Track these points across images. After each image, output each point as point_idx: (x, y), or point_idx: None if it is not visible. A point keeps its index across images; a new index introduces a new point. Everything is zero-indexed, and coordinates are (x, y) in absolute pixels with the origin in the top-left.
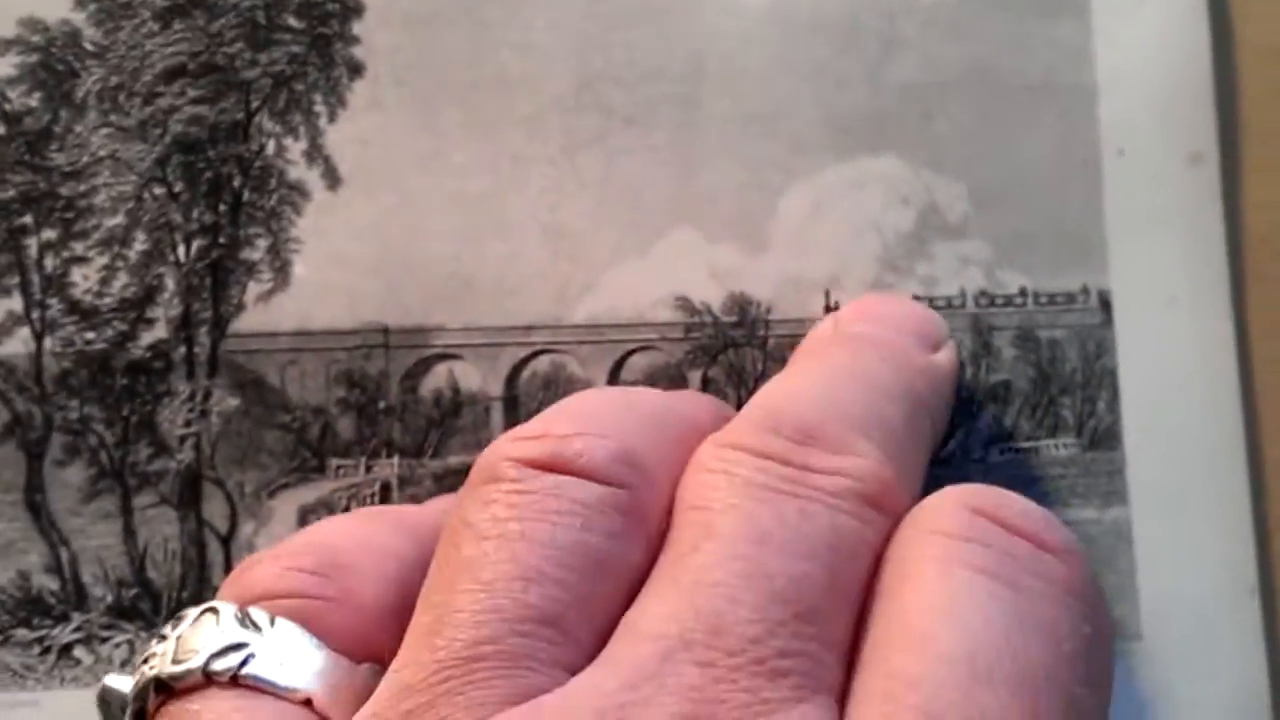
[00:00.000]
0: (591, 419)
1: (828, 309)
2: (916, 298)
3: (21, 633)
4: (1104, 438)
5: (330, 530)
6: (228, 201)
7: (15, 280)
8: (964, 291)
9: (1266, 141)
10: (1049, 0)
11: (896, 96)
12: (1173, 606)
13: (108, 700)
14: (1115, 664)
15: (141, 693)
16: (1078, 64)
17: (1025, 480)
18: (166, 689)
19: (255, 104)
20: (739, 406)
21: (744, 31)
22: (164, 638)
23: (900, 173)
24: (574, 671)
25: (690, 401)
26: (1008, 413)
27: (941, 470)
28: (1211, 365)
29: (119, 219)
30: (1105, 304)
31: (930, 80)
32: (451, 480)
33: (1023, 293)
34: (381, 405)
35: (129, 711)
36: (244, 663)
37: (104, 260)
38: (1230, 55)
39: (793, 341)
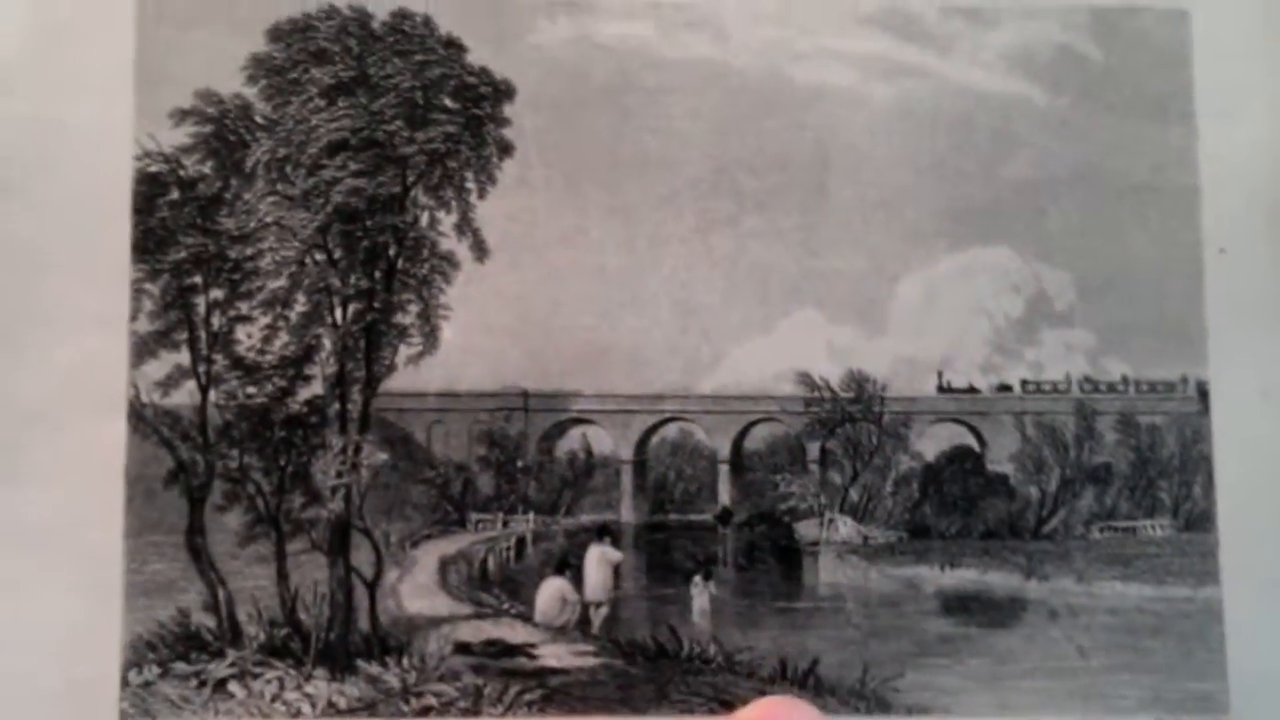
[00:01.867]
0: None
1: (940, 389)
2: (1024, 383)
3: (180, 666)
4: (1199, 520)
5: None
6: (383, 269)
7: (184, 336)
8: (1069, 377)
9: None
10: (1155, 104)
11: (1010, 191)
12: (1260, 682)
13: None
14: None
15: None
16: (1182, 165)
17: (1123, 558)
18: None
19: (411, 178)
20: (855, 477)
21: (868, 124)
22: None
23: (1011, 263)
24: None
25: None
26: (1108, 493)
27: (1045, 545)
28: None
29: (282, 281)
30: (1203, 393)
31: (1042, 177)
32: (583, 537)
33: (1124, 380)
34: (520, 464)
35: None
36: None
37: (267, 320)
38: None
39: (905, 419)
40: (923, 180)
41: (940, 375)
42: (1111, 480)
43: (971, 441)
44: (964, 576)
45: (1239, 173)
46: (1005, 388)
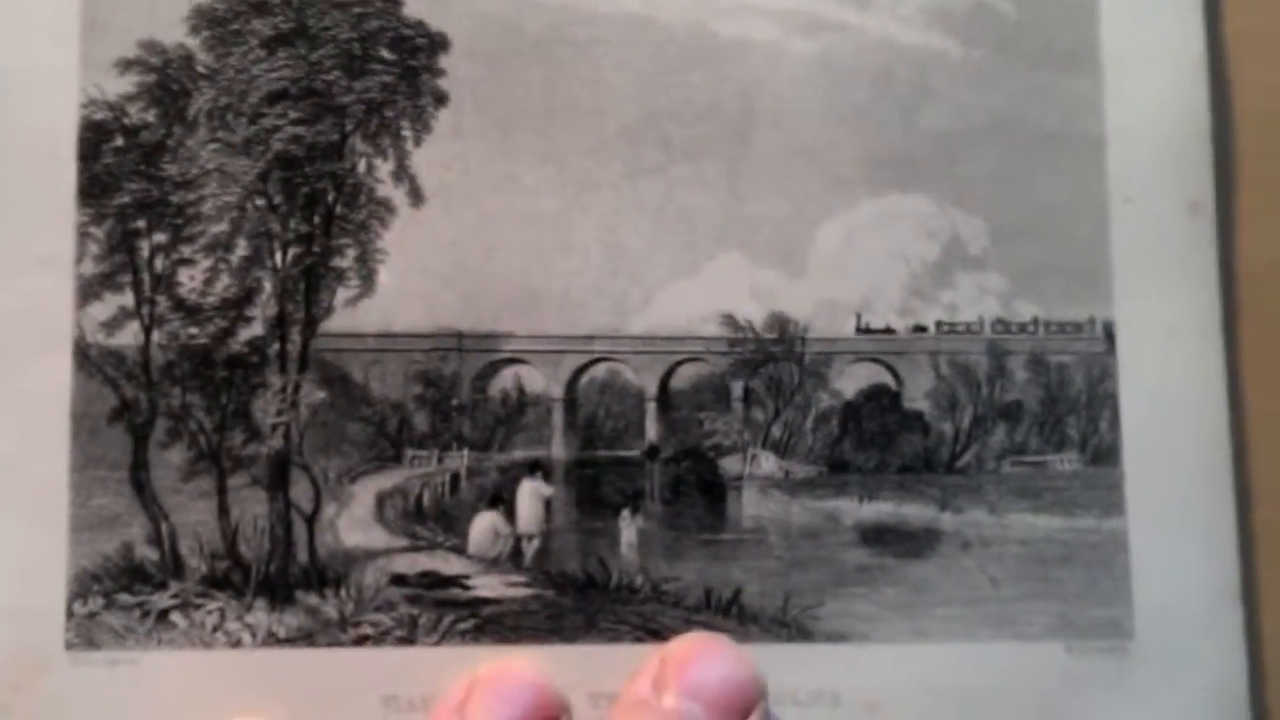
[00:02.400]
0: None
1: (859, 330)
2: (939, 324)
3: (124, 597)
4: (1105, 455)
5: None
6: (321, 214)
7: (128, 278)
8: (982, 318)
9: (1259, 192)
10: (1065, 57)
11: (927, 140)
12: (1163, 610)
13: None
14: (1109, 659)
15: None
16: (1089, 116)
17: (1033, 491)
18: None
19: (349, 127)
20: (777, 415)
21: (790, 76)
22: None
23: (928, 209)
24: None
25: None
26: (1019, 429)
27: (959, 479)
28: (1204, 392)
29: (223, 226)
30: (1109, 334)
31: (957, 127)
32: (515, 472)
33: (1035, 321)
34: (454, 403)
35: None
36: None
37: (208, 263)
38: (1227, 113)
39: (825, 359)
40: (843, 130)
41: (859, 317)
42: (1022, 417)
43: (889, 380)
44: (881, 509)
45: (1144, 123)
46: (921, 329)
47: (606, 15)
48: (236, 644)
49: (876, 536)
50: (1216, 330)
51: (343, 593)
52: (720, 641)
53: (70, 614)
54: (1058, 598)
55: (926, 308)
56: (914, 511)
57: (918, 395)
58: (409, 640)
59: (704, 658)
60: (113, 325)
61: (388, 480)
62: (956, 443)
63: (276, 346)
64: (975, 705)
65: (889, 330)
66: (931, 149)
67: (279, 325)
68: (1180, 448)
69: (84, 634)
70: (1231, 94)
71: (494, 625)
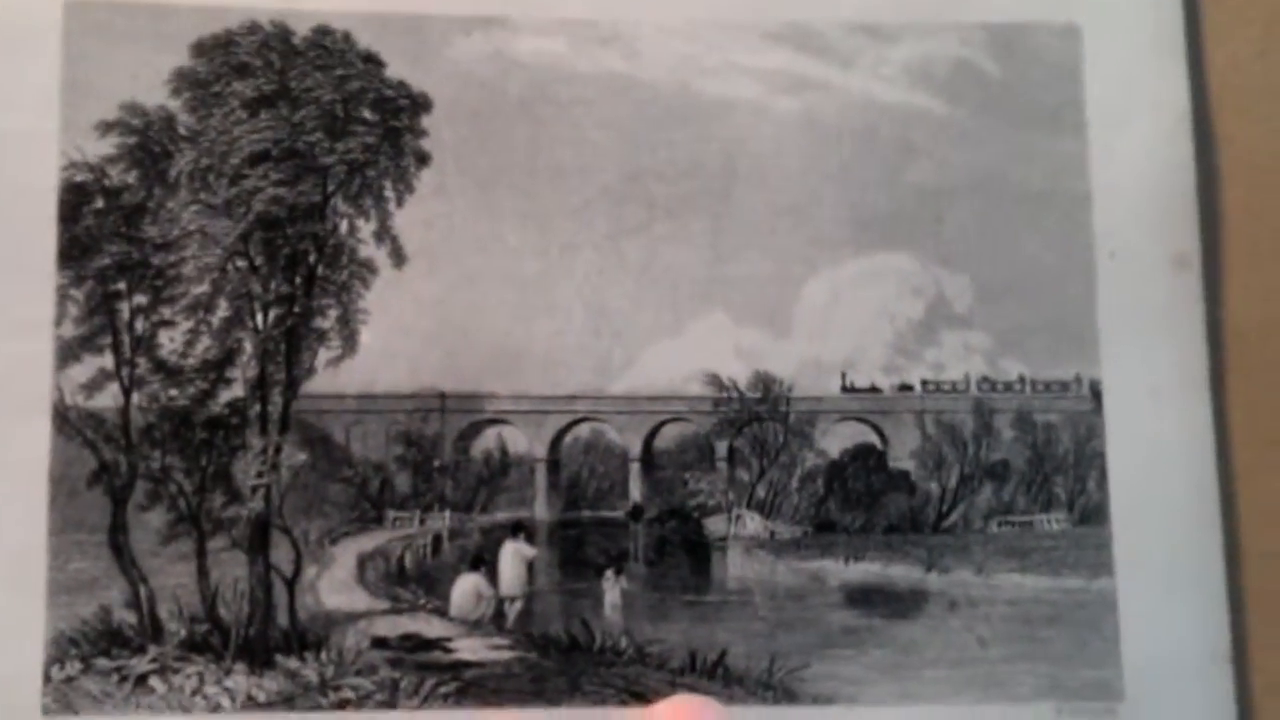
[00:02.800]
0: None
1: (844, 389)
2: (925, 383)
3: (102, 662)
4: (1093, 514)
5: None
6: (303, 275)
7: (108, 340)
8: (968, 376)
9: (1245, 247)
10: (1049, 116)
11: (911, 198)
12: (1153, 670)
13: None
14: None
15: None
16: (1074, 173)
17: (1020, 551)
18: None
19: (331, 187)
20: (762, 474)
21: (774, 135)
22: None
23: (912, 267)
24: None
25: None
26: (1005, 489)
27: (945, 539)
28: (1192, 450)
29: (204, 287)
30: (1096, 393)
31: (941, 185)
32: (498, 534)
33: (1021, 380)
34: (436, 464)
35: None
36: None
37: (189, 324)
38: (1213, 168)
39: (810, 418)
40: (827, 188)
41: (844, 376)
42: (1009, 476)
43: (874, 439)
44: (867, 570)
45: (1128, 181)
46: (906, 387)
47: (589, 75)
48: (215, 709)
49: (863, 597)
50: (1204, 386)
51: (323, 656)
52: (706, 704)
53: (48, 679)
54: (1046, 658)
55: (912, 366)
56: (900, 572)
57: (904, 454)
58: (390, 704)
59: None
60: (92, 387)
61: (369, 542)
62: (943, 502)
63: (257, 408)
64: None
65: (874, 389)
66: (916, 207)
67: (260, 386)
68: (1169, 507)
69: (61, 699)
70: (1216, 148)
71: (477, 688)
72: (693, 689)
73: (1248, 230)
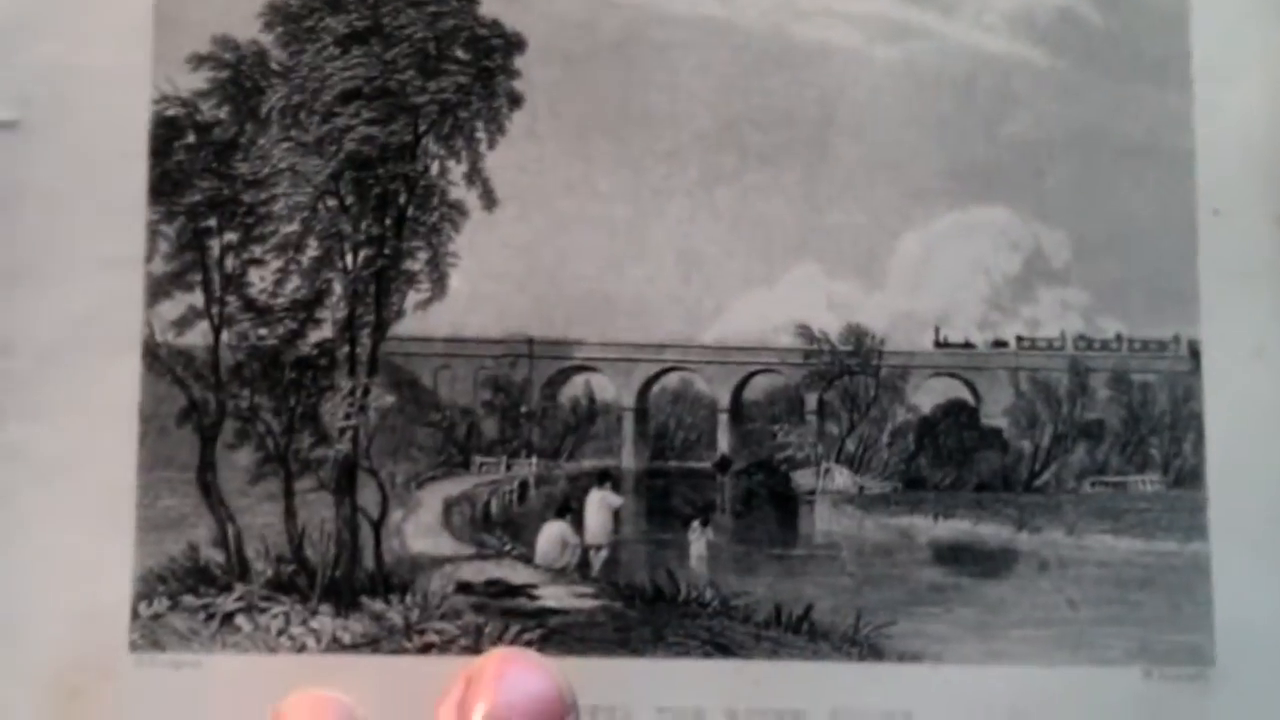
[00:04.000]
0: None
1: (937, 344)
2: (1020, 340)
3: (189, 599)
4: (1188, 477)
5: None
6: (393, 216)
7: (199, 278)
8: (1064, 334)
9: None
10: (1154, 68)
11: (1010, 151)
12: (1245, 636)
13: None
14: (1190, 686)
15: None
16: (1178, 129)
17: (1113, 512)
18: None
19: (423, 128)
20: (852, 428)
21: (872, 83)
22: None
23: (1010, 221)
24: None
25: None
26: (1100, 449)
27: (1037, 498)
28: None
29: (294, 226)
30: (1195, 353)
31: (1041, 137)
32: (584, 482)
33: (1118, 338)
34: (523, 410)
35: None
36: None
37: (279, 264)
38: None
39: (902, 372)
40: (924, 139)
41: (937, 331)
42: (1103, 436)
43: (967, 396)
44: (957, 527)
45: (1234, 137)
46: (1001, 344)
47: (684, 17)
48: (301, 649)
49: (952, 555)
50: None
51: (408, 599)
52: (525, 657)
53: (135, 615)
54: (1137, 622)
55: (1007, 322)
56: (990, 530)
57: (996, 412)
58: (474, 649)
59: (509, 676)
60: (182, 325)
61: (455, 487)
62: (1035, 461)
63: (346, 349)
64: None
65: (968, 345)
66: (1014, 160)
67: (349, 328)
68: (1266, 471)
69: (149, 635)
70: None
71: (560, 636)
72: (777, 643)
73: None
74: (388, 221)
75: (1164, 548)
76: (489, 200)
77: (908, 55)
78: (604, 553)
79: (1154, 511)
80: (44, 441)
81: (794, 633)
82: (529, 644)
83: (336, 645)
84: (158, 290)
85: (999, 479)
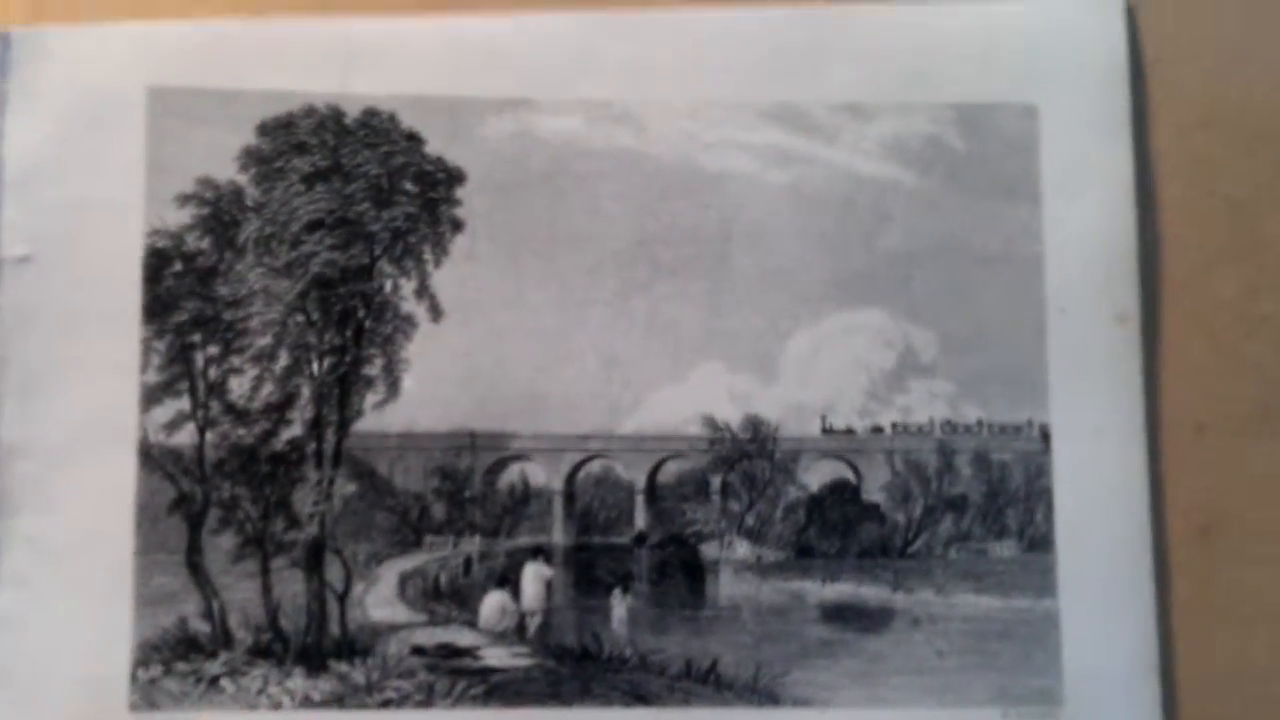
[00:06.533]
0: None
1: (824, 430)
2: (894, 425)
3: (180, 665)
4: (1040, 542)
5: None
6: (353, 328)
7: (185, 386)
8: (932, 420)
9: (1183, 305)
10: (1008, 187)
11: (884, 260)
12: (1090, 680)
13: None
14: None
15: None
16: (1029, 239)
17: (975, 574)
18: None
19: (378, 251)
20: (750, 505)
21: (766, 204)
22: None
23: (884, 322)
24: None
25: None
26: (964, 519)
27: (910, 563)
28: (1128, 486)
29: (267, 339)
30: (1045, 435)
31: (911, 248)
32: (520, 556)
33: (979, 423)
34: (467, 494)
35: None
36: None
37: (254, 372)
38: (1154, 233)
39: (794, 456)
40: (811, 251)
41: (824, 419)
42: (967, 508)
43: (850, 475)
44: (842, 590)
45: (1077, 246)
46: (878, 429)
47: (602, 150)
48: (277, 706)
49: (837, 614)
50: (1140, 430)
51: (369, 662)
52: None
53: (134, 680)
54: (996, 669)
55: (883, 410)
56: (871, 592)
57: (875, 489)
58: (427, 704)
59: None
60: (172, 426)
61: (409, 562)
62: (909, 531)
63: (313, 445)
64: None
65: (850, 431)
66: (888, 268)
67: (316, 426)
68: (1107, 536)
69: (146, 697)
70: (1158, 216)
71: (500, 691)
72: (688, 694)
73: (1186, 290)
74: (348, 333)
75: (1019, 604)
76: (436, 313)
77: (795, 179)
78: (538, 618)
79: (1010, 573)
80: (55, 531)
81: (702, 684)
82: (474, 699)
83: (308, 703)
84: (150, 397)
85: (878, 547)
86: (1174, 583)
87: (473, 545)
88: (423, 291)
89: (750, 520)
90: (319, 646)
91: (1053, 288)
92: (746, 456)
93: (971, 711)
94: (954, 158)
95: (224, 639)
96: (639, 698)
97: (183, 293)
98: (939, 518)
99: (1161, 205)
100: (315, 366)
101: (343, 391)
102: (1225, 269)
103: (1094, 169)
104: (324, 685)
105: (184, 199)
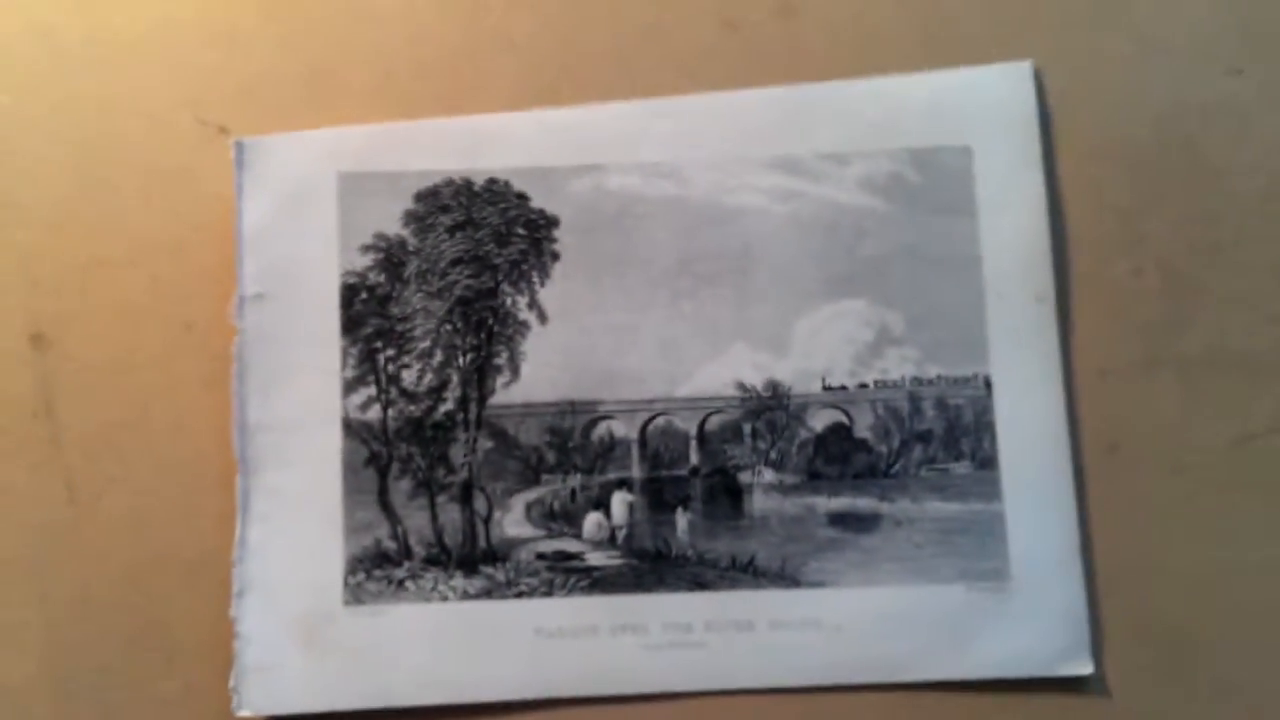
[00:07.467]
0: None
1: (824, 388)
2: (876, 382)
3: (377, 572)
4: (986, 462)
5: None
6: (485, 332)
7: (372, 378)
8: (903, 377)
9: (1084, 287)
10: (952, 206)
11: (863, 265)
12: (1029, 562)
13: None
14: (995, 595)
15: None
16: (970, 244)
17: (941, 487)
18: None
19: (500, 278)
20: (773, 444)
21: (773, 229)
22: None
23: (865, 309)
24: None
25: None
26: (930, 447)
27: (892, 481)
28: (1052, 418)
29: (427, 343)
30: (988, 384)
31: (882, 254)
32: (610, 487)
33: (939, 378)
34: (570, 445)
35: None
36: None
37: (419, 366)
38: (1062, 238)
39: (804, 407)
40: (809, 261)
41: (823, 380)
42: (932, 439)
43: (844, 419)
44: (842, 502)
45: (1006, 247)
46: (864, 385)
47: (656, 198)
48: (445, 599)
49: (840, 520)
50: (1058, 378)
51: (507, 565)
52: None
53: (346, 583)
54: (959, 555)
55: (867, 371)
56: (864, 503)
57: (864, 428)
58: (548, 594)
59: None
60: (364, 407)
61: (532, 494)
62: (890, 458)
63: (462, 415)
64: (907, 626)
65: (844, 387)
66: (866, 270)
67: (463, 402)
68: (1037, 456)
69: (354, 595)
70: (1065, 223)
71: (600, 583)
72: (734, 580)
73: (1086, 278)
74: (482, 336)
75: (974, 508)
76: (543, 319)
77: (795, 210)
78: (624, 530)
79: (966, 485)
80: (287, 483)
81: (744, 573)
82: (581, 589)
83: (466, 595)
84: (349, 388)
85: (867, 470)
86: (1089, 488)
87: (575, 480)
88: (533, 304)
89: (773, 454)
90: (472, 556)
91: (989, 279)
92: (768, 409)
93: (942, 587)
94: (911, 188)
95: (406, 553)
96: (699, 584)
97: (368, 314)
98: (912, 447)
99: (1067, 216)
100: (461, 360)
101: (480, 377)
102: (1116, 259)
103: (1016, 191)
104: (476, 583)
105: (365, 249)
